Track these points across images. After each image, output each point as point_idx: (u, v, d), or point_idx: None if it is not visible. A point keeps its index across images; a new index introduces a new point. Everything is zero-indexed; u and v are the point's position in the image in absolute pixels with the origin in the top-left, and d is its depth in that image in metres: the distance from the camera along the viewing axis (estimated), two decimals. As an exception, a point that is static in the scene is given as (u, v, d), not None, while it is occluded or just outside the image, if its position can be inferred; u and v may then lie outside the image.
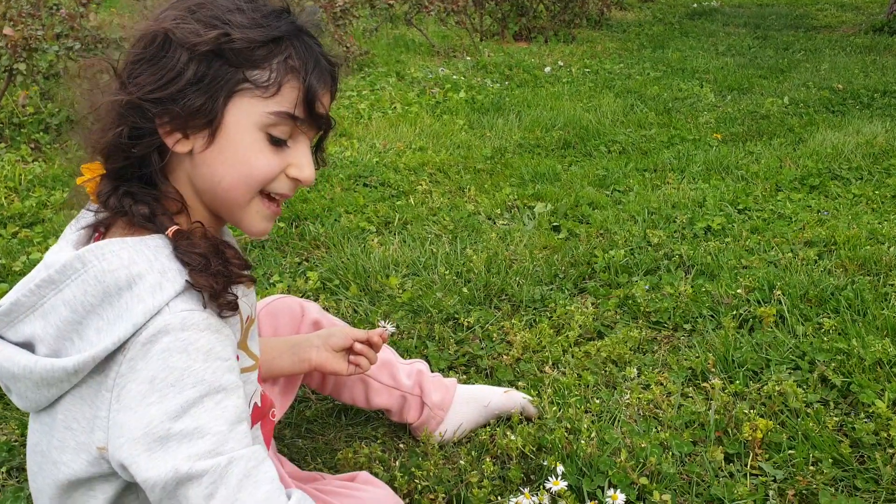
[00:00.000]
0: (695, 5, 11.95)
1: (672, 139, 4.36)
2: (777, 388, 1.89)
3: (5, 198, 3.39)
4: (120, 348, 0.97)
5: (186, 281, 1.01)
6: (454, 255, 2.79)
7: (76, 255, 1.00)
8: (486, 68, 6.44)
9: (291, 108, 1.07)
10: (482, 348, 2.18)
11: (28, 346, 1.04)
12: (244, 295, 1.18)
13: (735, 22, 10.02)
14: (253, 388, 1.26)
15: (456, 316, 2.34)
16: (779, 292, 2.35)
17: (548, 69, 6.51)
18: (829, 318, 2.25)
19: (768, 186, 3.46)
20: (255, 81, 1.05)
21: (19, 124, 4.24)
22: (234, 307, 1.05)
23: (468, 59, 6.82)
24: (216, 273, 1.03)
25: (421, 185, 3.55)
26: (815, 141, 4.22)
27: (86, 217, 1.12)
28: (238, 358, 1.15)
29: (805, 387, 1.93)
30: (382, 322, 1.80)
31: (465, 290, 2.49)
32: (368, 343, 1.60)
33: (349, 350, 1.60)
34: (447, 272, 2.63)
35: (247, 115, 1.06)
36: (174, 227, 1.05)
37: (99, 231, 1.10)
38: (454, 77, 5.97)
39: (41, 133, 4.15)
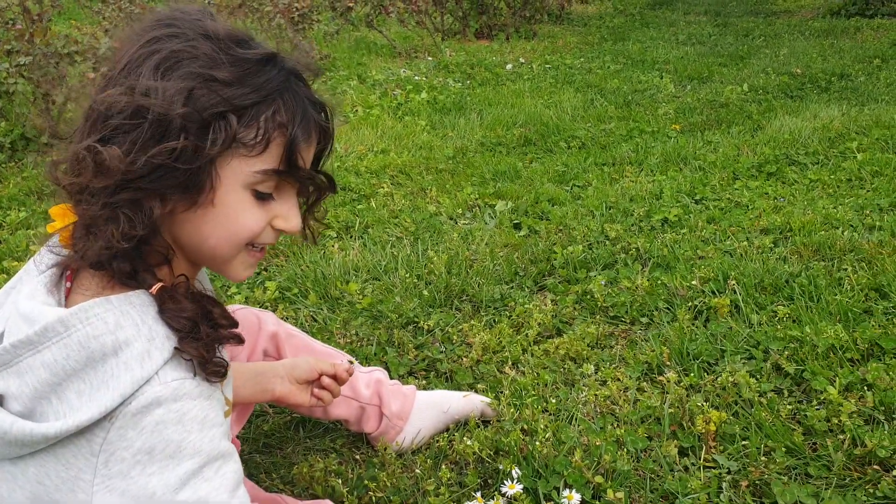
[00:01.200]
0: (656, -5, 12.01)
1: (631, 132, 4.39)
2: (731, 379, 1.91)
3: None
4: (106, 416, 0.94)
5: (175, 349, 0.98)
6: (415, 257, 2.78)
7: (59, 319, 0.95)
8: (447, 68, 6.44)
9: (277, 164, 1.03)
10: (442, 352, 2.18)
11: None
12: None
13: (696, 10, 10.09)
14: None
15: (416, 320, 2.34)
16: (733, 282, 2.37)
17: (509, 66, 6.52)
18: (784, 305, 2.27)
19: (725, 175, 3.49)
20: (241, 141, 0.99)
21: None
22: (222, 374, 1.02)
23: (430, 60, 6.82)
24: (205, 339, 1.01)
25: (382, 187, 3.54)
26: (772, 127, 4.26)
27: (49, 256, 1.07)
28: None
29: (759, 376, 1.95)
30: (348, 357, 1.79)
31: (425, 292, 2.49)
32: (335, 377, 1.59)
33: (313, 381, 1.59)
34: (408, 275, 2.62)
35: (233, 175, 1.01)
36: (159, 284, 1.02)
37: (70, 271, 1.06)
38: (416, 78, 5.97)
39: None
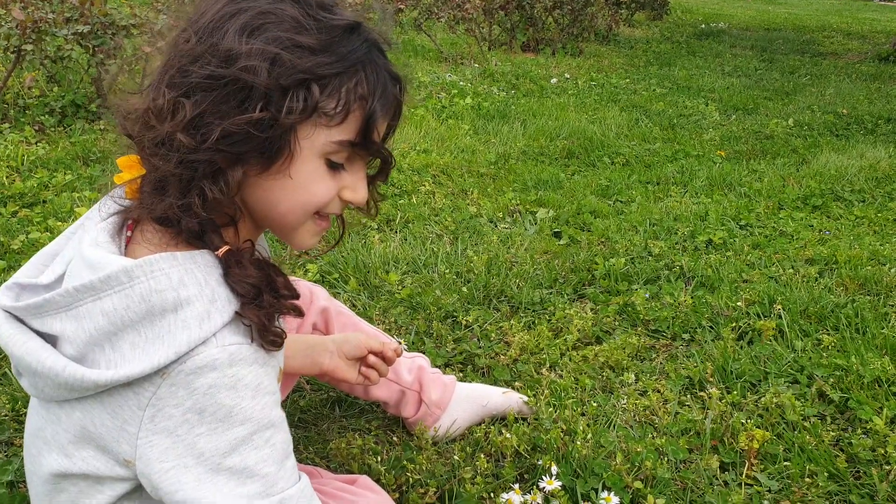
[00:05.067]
0: (703, 26, 12.00)
1: (676, 154, 4.37)
2: (775, 399, 1.88)
3: (6, 177, 3.37)
4: (158, 371, 0.94)
5: (236, 313, 0.97)
6: (455, 255, 2.78)
7: (124, 269, 0.95)
8: (492, 76, 6.45)
9: (353, 136, 1.02)
10: (480, 347, 2.16)
11: (51, 338, 1.00)
12: None
13: (742, 44, 10.06)
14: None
15: (454, 314, 2.33)
16: (779, 307, 2.34)
17: (554, 80, 6.52)
18: (829, 334, 2.24)
19: (771, 204, 3.46)
20: (322, 110, 0.98)
21: (24, 106, 4.23)
22: (279, 343, 1.01)
23: (475, 67, 6.83)
24: (266, 307, 1.00)
25: (424, 185, 3.54)
26: (818, 162, 4.22)
27: (112, 204, 1.07)
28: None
29: (803, 400, 1.92)
30: (397, 339, 1.78)
31: (464, 289, 2.48)
32: (382, 356, 1.59)
33: (361, 358, 1.58)
34: (447, 271, 2.62)
35: (310, 144, 1.00)
36: (225, 248, 1.01)
37: (132, 221, 1.05)
38: (461, 83, 5.98)
39: (46, 116, 4.13)
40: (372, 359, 1.57)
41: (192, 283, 0.96)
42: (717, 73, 7.53)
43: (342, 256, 2.70)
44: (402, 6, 8.32)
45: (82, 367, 0.96)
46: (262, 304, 0.99)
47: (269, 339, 1.00)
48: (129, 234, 1.06)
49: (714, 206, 3.39)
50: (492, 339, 2.22)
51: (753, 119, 5.50)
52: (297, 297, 1.08)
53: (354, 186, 1.07)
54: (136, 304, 0.94)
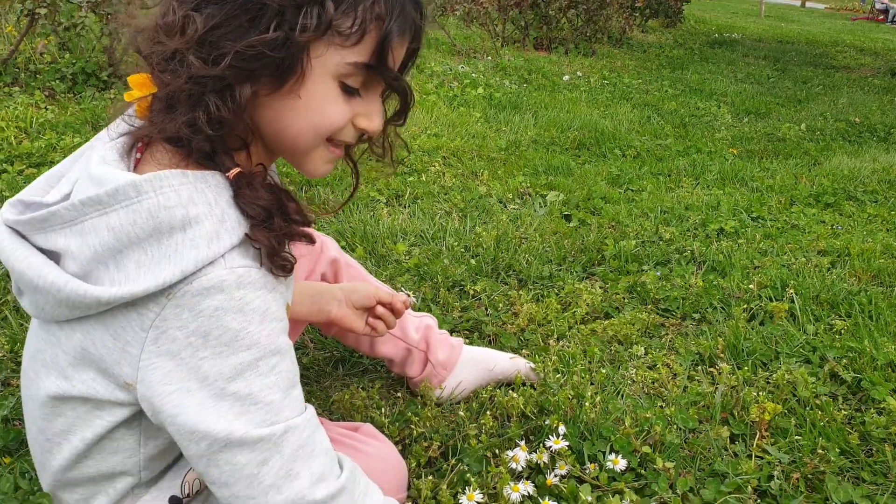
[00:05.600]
0: (715, 35, 11.98)
1: (688, 149, 4.34)
2: (787, 376, 1.84)
3: (14, 137, 3.34)
4: (162, 290, 0.91)
5: (246, 235, 0.95)
6: (463, 231, 2.75)
7: (132, 183, 0.91)
8: (505, 70, 6.42)
9: (369, 58, 0.98)
10: (487, 315, 2.13)
11: (54, 255, 0.97)
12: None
13: (755, 54, 10.03)
14: None
15: (462, 283, 2.30)
16: (791, 291, 2.31)
17: (566, 77, 6.49)
18: (842, 319, 2.21)
19: (783, 199, 3.43)
20: (337, 28, 0.95)
21: (35, 71, 4.21)
22: (288, 269, 0.98)
23: (488, 60, 6.81)
24: (277, 230, 0.97)
25: (434, 165, 3.51)
26: (830, 164, 4.19)
27: (122, 125, 1.03)
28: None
29: (815, 379, 1.89)
30: (405, 291, 1.75)
31: (472, 261, 2.45)
32: (391, 307, 1.56)
33: (369, 309, 1.55)
34: (456, 244, 2.58)
35: (323, 64, 0.96)
36: (237, 169, 0.97)
37: (143, 142, 1.01)
38: (473, 75, 5.95)
39: (56, 82, 4.11)
40: (380, 309, 1.54)
41: (201, 202, 0.93)
42: (729, 79, 7.50)
43: (349, 226, 2.67)
44: None
45: (85, 283, 0.93)
46: (273, 227, 0.96)
47: (279, 263, 0.97)
48: (139, 155, 1.02)
49: (726, 197, 3.36)
50: (499, 308, 2.19)
51: (766, 122, 5.46)
52: (310, 223, 1.04)
53: (369, 114, 1.04)
54: (143, 220, 0.91)
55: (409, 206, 2.99)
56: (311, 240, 1.05)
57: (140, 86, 1.00)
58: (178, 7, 0.93)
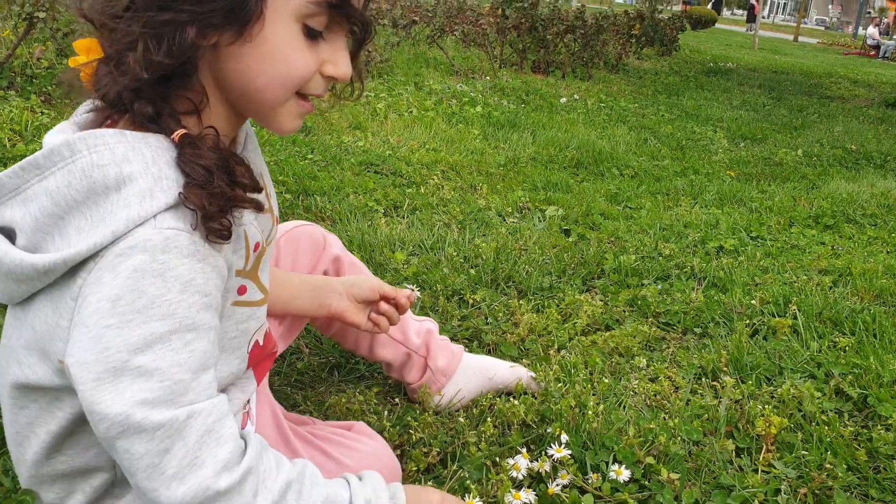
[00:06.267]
0: (711, 64, 12.07)
1: (685, 170, 4.33)
2: (792, 391, 1.81)
3: (9, 140, 3.30)
4: (94, 255, 0.85)
5: (179, 193, 0.88)
6: (462, 242, 2.71)
7: (66, 142, 0.87)
8: (503, 90, 6.43)
9: None
10: (487, 324, 2.09)
11: (9, 231, 0.92)
12: (255, 220, 1.05)
13: (749, 83, 10.10)
14: (258, 325, 1.14)
15: (461, 292, 2.26)
16: (794, 307, 2.28)
17: (563, 100, 6.50)
18: (845, 336, 2.18)
19: (782, 220, 3.41)
20: None
21: (31, 75, 4.17)
22: (225, 236, 0.91)
23: (487, 80, 6.82)
24: (216, 193, 0.90)
25: (433, 178, 3.48)
26: (828, 188, 4.19)
27: (89, 103, 0.98)
28: (246, 290, 1.04)
29: (820, 395, 1.85)
30: (409, 286, 1.71)
31: (472, 271, 2.42)
32: (395, 303, 1.51)
33: (371, 304, 1.51)
34: (455, 254, 2.55)
35: (283, 4, 0.91)
36: (181, 131, 0.91)
37: (112, 118, 0.95)
38: (472, 94, 5.95)
39: (53, 87, 4.08)
40: (384, 306, 1.50)
41: (136, 160, 0.87)
42: (725, 105, 7.53)
43: (347, 234, 2.64)
44: (416, 19, 8.34)
45: (23, 252, 0.88)
46: (213, 189, 0.89)
47: (214, 228, 0.89)
48: None
49: (725, 217, 3.34)
50: (499, 318, 2.15)
51: (762, 147, 5.47)
52: (259, 189, 0.97)
53: (336, 60, 0.98)
54: (77, 181, 0.86)
55: (407, 216, 2.96)
56: (259, 207, 0.98)
57: (86, 50, 0.94)
58: None
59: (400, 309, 1.51)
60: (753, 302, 2.33)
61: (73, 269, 0.86)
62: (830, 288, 2.58)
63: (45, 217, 0.88)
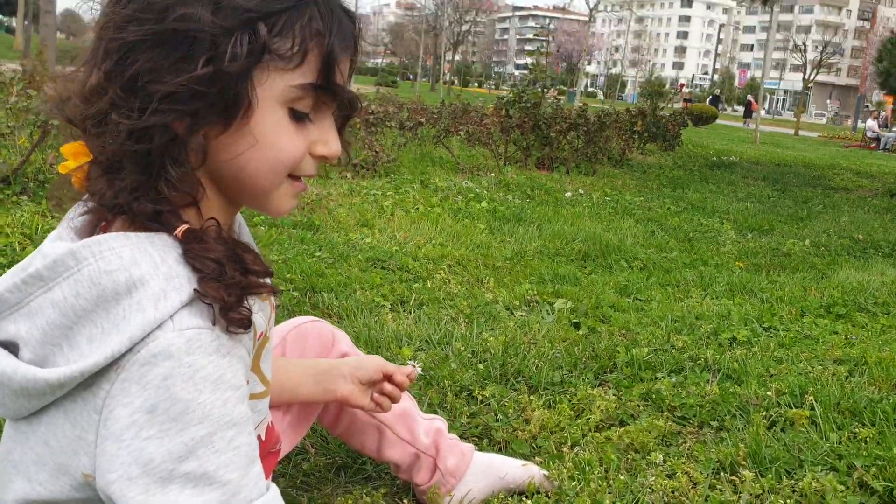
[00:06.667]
0: (714, 158, 12.23)
1: (694, 262, 4.32)
2: (814, 484, 1.74)
3: (19, 243, 3.33)
4: (112, 364, 0.83)
5: (195, 290, 0.87)
6: (470, 336, 2.68)
7: (70, 251, 0.85)
8: (508, 186, 6.51)
9: (315, 79, 0.93)
10: (497, 420, 2.05)
11: (12, 345, 0.90)
12: (259, 309, 1.02)
13: (753, 175, 10.21)
14: (260, 418, 1.11)
15: (470, 388, 2.22)
16: (810, 398, 2.23)
17: (568, 194, 6.57)
18: (866, 427, 2.11)
19: (793, 310, 3.38)
20: (277, 52, 0.89)
21: (44, 181, 4.25)
22: (246, 325, 0.90)
23: (492, 177, 6.91)
24: (231, 283, 0.89)
25: (439, 273, 3.48)
26: (838, 277, 4.16)
27: (82, 206, 0.96)
28: (248, 382, 1.03)
29: (844, 488, 1.78)
30: (411, 362, 1.68)
31: (480, 366, 2.38)
32: (394, 381, 1.49)
33: (375, 383, 1.48)
34: (463, 349, 2.52)
35: (269, 91, 0.90)
36: (184, 227, 0.90)
37: (106, 220, 0.94)
38: (477, 190, 6.02)
39: (64, 192, 4.14)
40: (387, 387, 1.47)
41: (145, 262, 0.86)
42: (730, 198, 7.59)
43: (353, 330, 2.62)
44: (422, 120, 8.53)
45: (34, 367, 0.86)
46: (226, 280, 0.88)
47: (234, 318, 0.88)
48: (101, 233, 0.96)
49: (736, 308, 3.31)
50: (509, 414, 2.10)
51: (770, 238, 5.48)
52: (270, 273, 0.96)
53: (325, 139, 0.98)
54: (85, 290, 0.84)
55: (414, 311, 2.94)
56: (273, 291, 0.97)
57: (74, 155, 0.93)
58: (104, 61, 0.87)
59: (399, 386, 1.48)
60: (769, 393, 2.28)
61: (90, 380, 0.84)
62: (846, 378, 2.53)
63: (52, 329, 0.86)
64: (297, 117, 0.94)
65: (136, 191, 0.88)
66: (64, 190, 0.98)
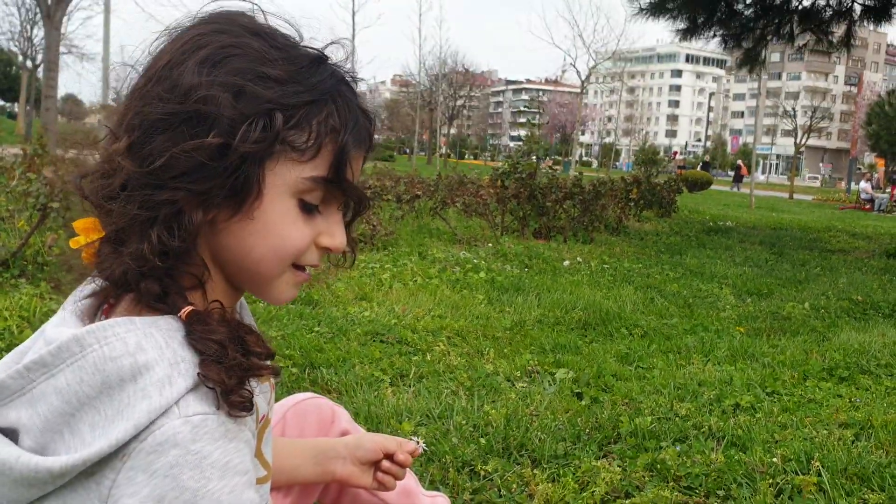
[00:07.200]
0: (710, 223, 12.30)
1: (695, 328, 4.31)
2: (826, 554, 1.71)
3: (17, 326, 3.33)
4: (117, 452, 0.82)
5: (198, 374, 0.86)
6: (471, 409, 2.66)
7: (74, 337, 0.85)
8: (506, 256, 6.53)
9: (326, 172, 0.94)
10: (500, 496, 2.01)
11: (11, 432, 0.88)
12: (260, 392, 1.01)
13: (750, 240, 10.25)
14: (263, 503, 1.11)
15: (472, 463, 2.19)
16: (817, 464, 2.20)
17: (566, 263, 6.58)
18: (875, 493, 2.08)
19: (796, 374, 3.35)
20: (291, 143, 0.91)
21: (43, 263, 4.26)
22: (248, 407, 0.89)
23: (489, 247, 6.93)
24: (232, 365, 0.88)
25: (439, 345, 3.47)
26: (839, 339, 4.15)
27: (87, 287, 0.97)
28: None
29: (857, 558, 1.75)
30: (414, 438, 1.66)
31: (482, 440, 2.35)
32: (397, 460, 1.46)
33: (376, 462, 1.46)
34: (464, 422, 2.49)
35: (281, 181, 0.92)
36: (188, 308, 0.90)
37: (108, 303, 0.95)
38: (475, 260, 6.04)
39: (63, 273, 4.15)
40: (386, 464, 1.44)
41: (151, 347, 0.85)
42: (728, 262, 7.61)
43: (353, 406, 2.59)
44: (419, 193, 8.61)
45: (36, 456, 0.84)
46: (227, 362, 0.87)
47: (236, 401, 0.87)
48: (104, 317, 0.95)
49: (738, 373, 3.29)
50: (513, 489, 2.07)
51: (769, 302, 5.47)
52: (272, 355, 0.95)
53: (331, 231, 0.98)
54: (89, 377, 0.83)
55: (413, 385, 2.92)
56: (276, 373, 0.96)
57: (86, 230, 0.94)
58: (125, 138, 0.89)
59: (402, 464, 1.46)
60: (775, 460, 2.25)
61: (92, 468, 0.82)
62: (853, 442, 2.50)
63: (54, 416, 0.85)
64: (307, 208, 0.95)
65: (143, 269, 0.88)
66: (72, 268, 0.98)
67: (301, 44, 0.97)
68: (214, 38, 0.92)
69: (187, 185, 0.87)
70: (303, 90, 0.92)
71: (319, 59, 0.96)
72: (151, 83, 0.91)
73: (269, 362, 0.94)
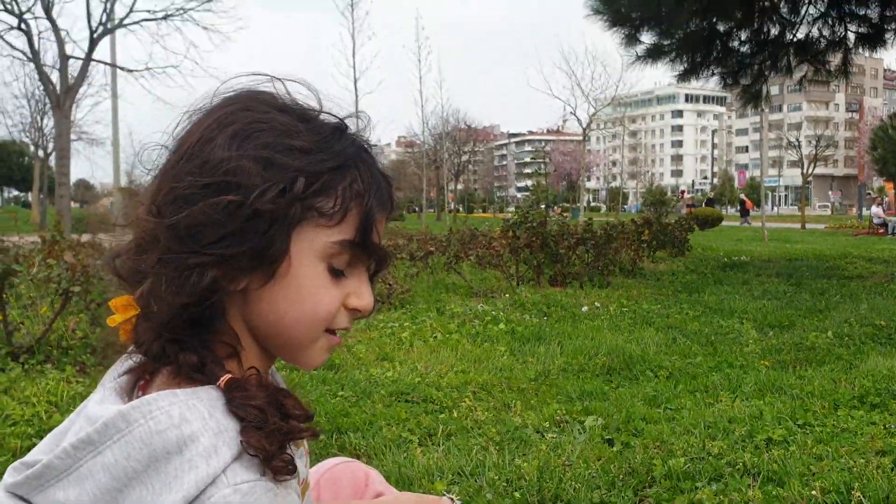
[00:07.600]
0: (725, 259, 12.27)
1: (719, 364, 4.28)
2: (876, 586, 1.68)
3: (45, 412, 3.35)
4: None
5: (241, 442, 0.87)
6: (503, 464, 2.64)
7: (120, 413, 0.86)
8: (523, 305, 6.53)
9: (353, 236, 0.97)
10: (539, 548, 1.99)
11: None
12: (298, 456, 1.06)
13: (767, 272, 10.21)
14: None
15: (508, 517, 2.18)
16: (857, 493, 2.17)
17: (585, 308, 6.57)
18: (920, 520, 2.05)
19: (826, 404, 3.32)
20: (319, 210, 0.94)
21: (67, 347, 4.30)
22: (291, 470, 0.90)
23: (506, 298, 6.94)
24: (272, 430, 0.90)
25: (465, 401, 3.46)
26: (867, 366, 4.11)
27: (124, 364, 0.98)
28: None
29: (908, 587, 1.72)
30: (448, 495, 1.65)
31: (516, 494, 2.34)
32: None
33: None
34: (497, 478, 2.48)
35: (309, 246, 0.95)
36: (227, 376, 0.92)
37: (145, 378, 0.96)
38: (493, 312, 6.04)
39: (87, 356, 4.18)
40: None
41: (195, 418, 0.87)
42: (747, 297, 7.57)
43: (383, 468, 2.58)
44: (432, 249, 8.65)
45: None
46: (267, 427, 0.89)
47: (278, 466, 0.88)
48: (140, 393, 0.98)
49: (767, 407, 3.26)
50: (551, 540, 2.05)
51: (791, 333, 5.44)
52: (311, 416, 0.96)
53: (359, 292, 1.00)
54: (136, 452, 0.84)
55: (442, 443, 2.91)
56: (315, 435, 0.97)
57: (122, 308, 0.96)
58: (158, 215, 0.91)
59: None
60: (814, 493, 2.22)
61: None
62: (892, 469, 2.46)
63: (102, 494, 0.85)
64: (336, 273, 0.97)
65: (181, 342, 0.90)
66: (111, 343, 0.99)
67: (321, 112, 1.01)
68: (242, 115, 0.96)
69: (217, 251, 0.90)
70: (327, 158, 0.96)
71: (340, 128, 1.00)
72: (182, 161, 0.94)
73: (308, 425, 0.95)
